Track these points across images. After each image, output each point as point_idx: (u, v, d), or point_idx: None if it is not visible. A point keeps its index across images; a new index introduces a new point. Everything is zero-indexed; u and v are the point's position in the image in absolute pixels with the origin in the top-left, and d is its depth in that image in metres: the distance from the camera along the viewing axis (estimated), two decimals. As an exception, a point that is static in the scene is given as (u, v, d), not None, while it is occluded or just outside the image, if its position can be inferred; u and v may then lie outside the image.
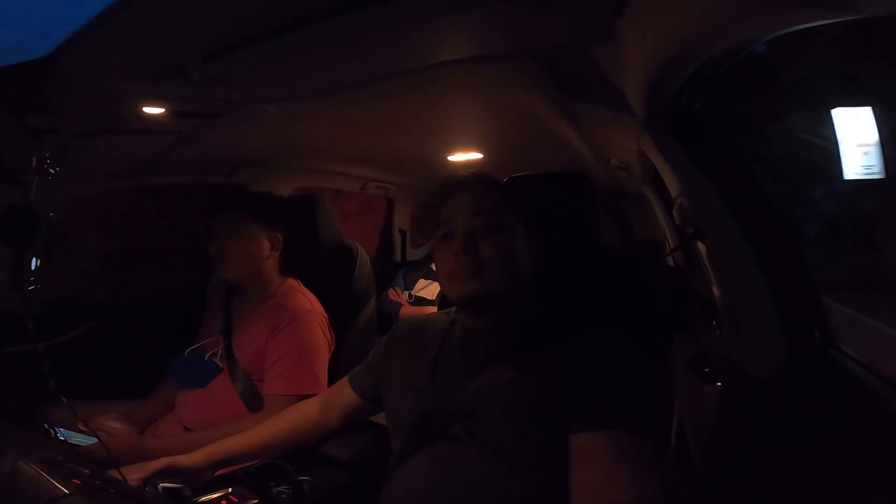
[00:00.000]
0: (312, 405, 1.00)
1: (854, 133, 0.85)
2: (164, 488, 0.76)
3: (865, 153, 0.84)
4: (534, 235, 0.81)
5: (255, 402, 1.14)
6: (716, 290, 0.95)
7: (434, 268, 2.46)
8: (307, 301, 1.23)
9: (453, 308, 0.90)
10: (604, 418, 0.65)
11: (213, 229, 1.22)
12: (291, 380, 1.12)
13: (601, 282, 0.92)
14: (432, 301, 2.26)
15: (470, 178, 0.85)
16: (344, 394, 0.97)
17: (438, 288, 2.27)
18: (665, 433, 0.72)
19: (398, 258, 2.82)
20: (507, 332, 0.79)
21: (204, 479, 0.81)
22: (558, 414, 0.68)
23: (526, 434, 0.69)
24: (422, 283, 2.38)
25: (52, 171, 1.19)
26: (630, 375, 0.70)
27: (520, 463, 0.69)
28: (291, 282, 1.28)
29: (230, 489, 0.78)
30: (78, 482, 0.55)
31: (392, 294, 2.35)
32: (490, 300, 0.78)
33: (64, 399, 0.75)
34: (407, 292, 2.37)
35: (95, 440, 0.91)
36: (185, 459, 0.85)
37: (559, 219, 0.90)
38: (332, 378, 1.16)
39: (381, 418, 0.97)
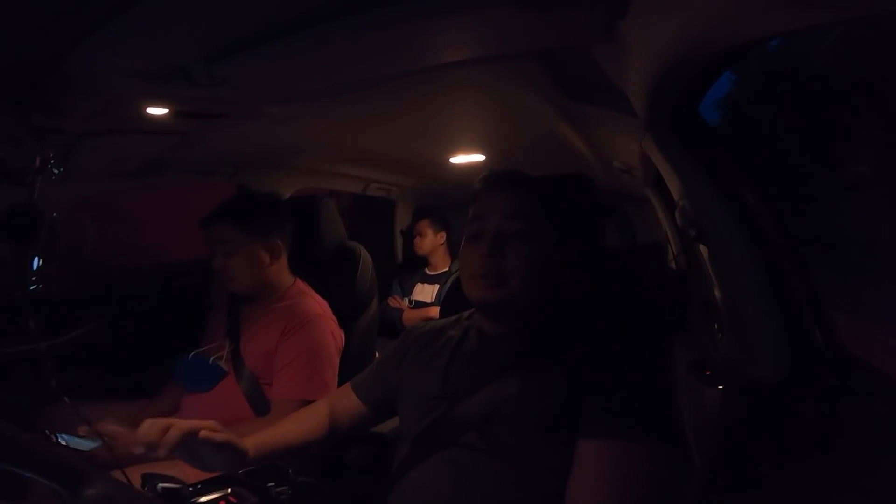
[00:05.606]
0: (321, 410, 0.95)
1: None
2: (162, 488, 0.75)
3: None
4: (565, 245, 0.79)
5: (261, 406, 1.13)
6: (717, 293, 0.94)
7: (428, 271, 2.50)
8: (317, 305, 1.21)
9: (464, 314, 0.90)
10: (603, 425, 0.66)
11: (209, 242, 1.20)
12: (300, 385, 1.11)
13: (606, 285, 0.91)
14: (431, 302, 2.30)
15: (508, 177, 0.82)
16: (347, 402, 0.94)
17: (434, 290, 2.33)
18: (671, 440, 0.71)
19: (400, 259, 2.82)
20: (524, 337, 0.78)
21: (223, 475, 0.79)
22: (573, 420, 0.68)
23: (542, 440, 0.69)
24: (419, 287, 2.42)
25: (56, 171, 1.20)
26: (638, 385, 0.69)
27: (535, 469, 0.68)
28: (300, 284, 1.27)
29: (230, 489, 0.78)
30: None
31: (392, 301, 2.38)
32: (509, 307, 0.76)
33: (66, 399, 0.75)
34: (406, 298, 2.40)
35: (96, 444, 0.91)
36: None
37: (576, 223, 0.89)
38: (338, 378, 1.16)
39: (381, 426, 0.97)
